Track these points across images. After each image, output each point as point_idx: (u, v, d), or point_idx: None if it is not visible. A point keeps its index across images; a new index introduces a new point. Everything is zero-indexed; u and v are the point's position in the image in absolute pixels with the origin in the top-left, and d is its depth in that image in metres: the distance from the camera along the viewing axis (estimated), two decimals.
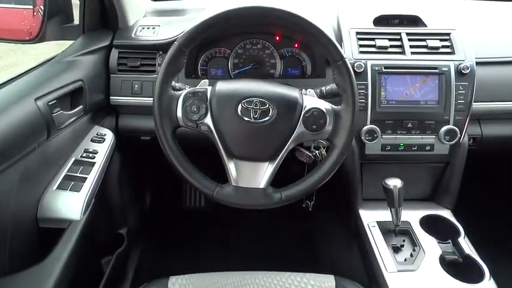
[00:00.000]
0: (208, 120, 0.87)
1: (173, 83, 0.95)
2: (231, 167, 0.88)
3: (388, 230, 1.10)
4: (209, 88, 0.90)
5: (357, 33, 1.17)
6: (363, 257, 1.14)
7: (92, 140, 1.09)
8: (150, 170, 1.60)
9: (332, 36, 0.86)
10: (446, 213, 1.17)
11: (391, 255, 1.02)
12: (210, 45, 1.24)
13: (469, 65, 1.10)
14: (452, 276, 0.96)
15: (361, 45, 1.15)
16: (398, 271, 0.98)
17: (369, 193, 1.21)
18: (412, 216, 1.13)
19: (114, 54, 1.19)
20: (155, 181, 1.67)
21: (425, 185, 1.24)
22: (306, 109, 0.87)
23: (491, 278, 0.96)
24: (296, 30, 0.88)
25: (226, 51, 1.25)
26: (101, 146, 1.08)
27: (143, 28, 1.24)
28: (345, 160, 1.17)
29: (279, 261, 1.12)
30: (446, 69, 1.10)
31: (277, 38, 1.25)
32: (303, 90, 0.95)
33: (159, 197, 1.72)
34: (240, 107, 0.86)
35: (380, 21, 1.22)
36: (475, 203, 1.46)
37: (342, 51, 0.86)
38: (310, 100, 0.89)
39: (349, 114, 0.86)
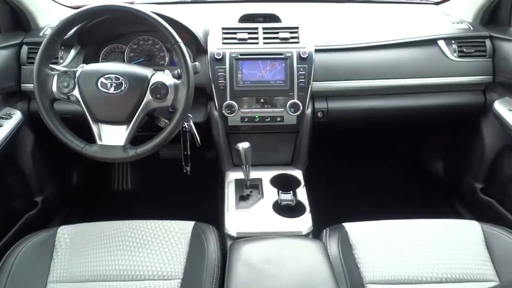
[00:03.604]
0: (76, 92, 1.12)
1: (57, 66, 1.20)
2: (96, 129, 1.13)
3: (242, 185, 1.35)
4: (79, 68, 1.15)
5: (223, 28, 1.43)
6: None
7: None
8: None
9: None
10: (297, 173, 1.43)
11: (234, 201, 1.28)
12: (109, 42, 1.50)
13: (307, 51, 1.36)
14: (278, 214, 1.21)
15: (224, 38, 1.41)
16: (236, 210, 1.23)
17: None
18: (266, 175, 1.39)
19: (24, 49, 1.44)
20: (81, 162, 1.90)
21: (286, 153, 1.50)
22: (152, 82, 1.12)
23: (309, 214, 1.21)
24: (143, 23, 1.14)
25: (122, 46, 1.51)
26: (7, 121, 1.33)
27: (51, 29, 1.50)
28: (213, 131, 1.42)
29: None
30: (290, 54, 1.37)
31: None
32: (161, 72, 1.20)
33: (87, 177, 1.95)
34: (100, 81, 1.11)
35: (246, 18, 1.49)
36: (324, 164, 1.74)
37: (176, 36, 1.11)
38: (158, 76, 1.14)
39: (186, 86, 1.12)
